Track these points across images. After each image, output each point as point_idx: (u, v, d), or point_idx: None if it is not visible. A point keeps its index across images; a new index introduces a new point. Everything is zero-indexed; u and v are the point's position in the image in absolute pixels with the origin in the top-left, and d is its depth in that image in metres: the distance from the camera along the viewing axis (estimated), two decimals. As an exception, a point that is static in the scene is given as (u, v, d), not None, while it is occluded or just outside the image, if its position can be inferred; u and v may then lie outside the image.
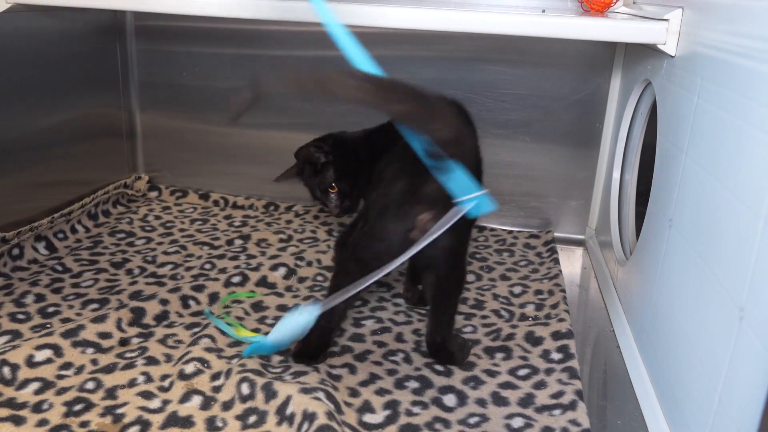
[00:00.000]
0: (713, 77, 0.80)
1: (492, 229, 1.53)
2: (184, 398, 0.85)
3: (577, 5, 1.37)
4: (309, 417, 0.79)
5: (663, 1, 1.09)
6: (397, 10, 1.08)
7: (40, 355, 0.91)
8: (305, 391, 0.84)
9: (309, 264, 1.28)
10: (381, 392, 0.90)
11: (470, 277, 1.28)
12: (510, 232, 1.52)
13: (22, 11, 1.20)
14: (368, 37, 1.45)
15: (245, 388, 0.86)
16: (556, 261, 1.35)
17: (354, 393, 0.89)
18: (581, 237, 1.52)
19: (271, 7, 1.12)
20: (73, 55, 1.41)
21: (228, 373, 0.89)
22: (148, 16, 1.57)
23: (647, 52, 1.14)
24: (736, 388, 0.63)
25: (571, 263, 1.41)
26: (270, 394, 0.84)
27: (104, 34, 1.52)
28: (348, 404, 0.87)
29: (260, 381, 0.86)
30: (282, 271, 1.23)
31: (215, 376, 0.89)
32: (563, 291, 1.20)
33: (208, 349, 0.95)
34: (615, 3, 1.29)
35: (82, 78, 1.45)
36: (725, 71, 0.76)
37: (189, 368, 0.90)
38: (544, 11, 1.20)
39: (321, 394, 0.84)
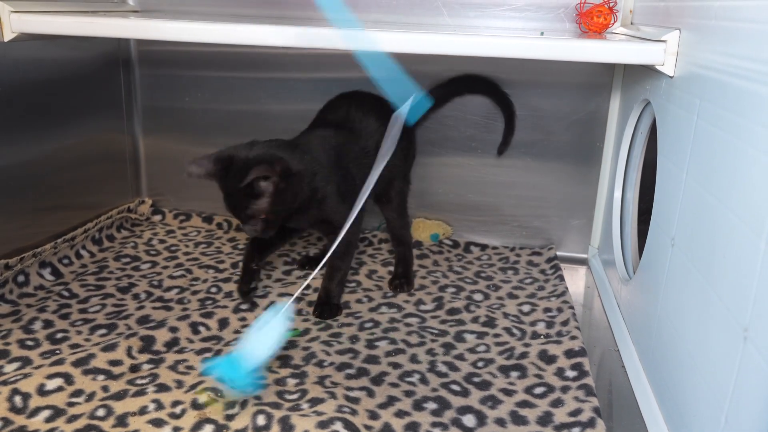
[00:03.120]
0: (711, 98, 0.82)
1: (494, 248, 1.54)
2: (196, 426, 0.85)
3: (575, 26, 1.39)
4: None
5: (661, 22, 1.11)
6: (399, 36, 1.09)
7: (51, 384, 0.91)
8: (322, 425, 0.84)
9: (316, 290, 1.28)
10: (400, 414, 0.91)
11: (478, 296, 1.29)
12: (512, 249, 1.53)
13: (27, 40, 1.22)
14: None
15: (261, 420, 0.86)
16: (561, 278, 1.36)
17: (373, 416, 0.90)
18: (584, 256, 1.53)
19: (274, 32, 1.14)
20: (77, 81, 1.42)
21: (244, 403, 0.89)
22: (151, 42, 1.59)
23: (646, 72, 1.16)
24: (742, 408, 0.64)
25: (574, 282, 1.42)
26: (286, 427, 0.84)
27: (108, 60, 1.54)
28: (368, 428, 0.87)
29: (277, 414, 0.87)
30: (288, 298, 1.23)
31: (229, 405, 0.89)
32: (572, 308, 1.21)
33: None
34: (613, 24, 1.31)
35: (86, 104, 1.46)
36: (723, 92, 0.78)
37: (202, 398, 0.90)
38: (542, 33, 1.21)
39: (339, 425, 0.84)
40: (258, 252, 1.21)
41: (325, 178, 1.13)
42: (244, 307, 1.19)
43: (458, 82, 1.43)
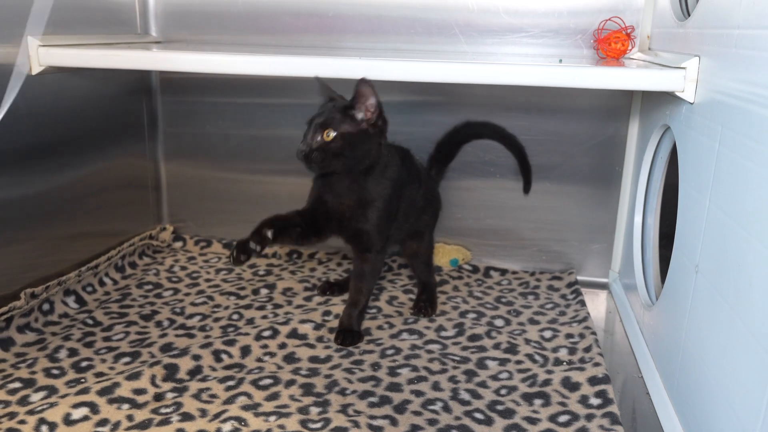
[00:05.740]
0: (733, 125, 0.82)
1: (514, 272, 1.54)
2: (221, 455, 0.86)
3: (592, 52, 1.40)
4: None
5: (679, 48, 1.11)
6: (418, 65, 1.11)
7: (77, 413, 0.92)
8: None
9: (336, 317, 1.29)
10: (423, 443, 0.90)
11: (499, 322, 1.29)
12: (532, 274, 1.53)
13: (54, 73, 1.24)
14: (389, 84, 1.50)
15: (284, 448, 0.86)
16: (582, 303, 1.36)
17: (395, 445, 0.90)
18: (604, 280, 1.53)
19: (292, 63, 1.16)
20: (101, 110, 1.45)
21: (269, 433, 0.90)
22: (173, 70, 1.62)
23: (665, 97, 1.16)
24: (773, 439, 0.64)
25: (595, 307, 1.41)
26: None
27: (131, 89, 1.57)
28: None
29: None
30: (310, 325, 1.24)
31: (255, 435, 0.90)
32: (594, 334, 1.21)
33: (245, 407, 0.96)
34: (630, 50, 1.32)
35: (109, 132, 1.49)
36: (746, 120, 0.78)
37: (226, 427, 0.90)
38: (561, 61, 1.22)
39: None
40: (279, 224, 1.13)
41: (389, 181, 1.16)
42: (266, 334, 1.19)
43: (462, 131, 1.44)
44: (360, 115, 1.09)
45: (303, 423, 0.93)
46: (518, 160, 1.44)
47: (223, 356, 1.12)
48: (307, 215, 1.18)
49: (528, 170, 1.45)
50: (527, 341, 1.20)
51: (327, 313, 1.29)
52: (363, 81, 1.07)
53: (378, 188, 1.15)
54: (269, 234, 1.10)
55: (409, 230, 1.30)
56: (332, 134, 1.07)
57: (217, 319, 1.26)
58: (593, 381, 1.04)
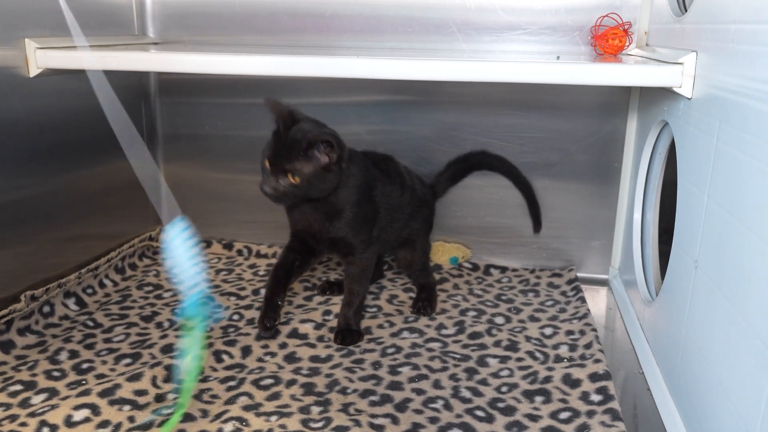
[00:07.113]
0: (731, 120, 0.82)
1: (514, 270, 1.54)
2: (222, 455, 0.86)
3: (590, 49, 1.40)
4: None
5: (676, 44, 1.11)
6: (416, 63, 1.11)
7: (78, 415, 0.92)
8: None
9: (337, 316, 1.28)
10: (425, 442, 0.90)
11: (499, 320, 1.29)
12: (532, 271, 1.53)
13: (52, 75, 1.24)
14: (388, 84, 1.50)
15: (286, 447, 0.86)
16: (583, 300, 1.36)
17: (397, 444, 0.90)
18: (605, 277, 1.53)
19: (288, 63, 1.16)
20: (99, 112, 1.44)
21: (270, 432, 0.90)
22: (171, 72, 1.61)
23: (663, 93, 1.16)
24: (774, 433, 0.64)
25: (596, 303, 1.41)
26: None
27: (130, 90, 1.56)
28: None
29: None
30: (310, 325, 1.25)
31: (256, 434, 0.90)
32: (594, 330, 1.21)
33: (247, 407, 0.96)
34: (628, 46, 1.32)
35: (108, 133, 1.47)
36: (744, 115, 0.78)
37: (227, 427, 0.91)
38: (558, 58, 1.22)
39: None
40: (282, 284, 1.20)
41: (355, 188, 1.16)
42: (266, 334, 1.19)
43: (476, 158, 1.46)
44: (318, 154, 1.08)
45: (304, 422, 0.93)
46: (527, 200, 1.45)
47: (224, 357, 1.12)
48: (296, 245, 1.22)
49: (537, 210, 1.45)
50: (528, 338, 1.21)
51: (327, 312, 1.29)
52: (310, 135, 1.07)
53: (342, 199, 1.15)
54: (280, 301, 1.20)
55: (398, 237, 1.30)
56: (297, 178, 1.07)
57: (217, 320, 1.26)
58: (594, 377, 1.04)
